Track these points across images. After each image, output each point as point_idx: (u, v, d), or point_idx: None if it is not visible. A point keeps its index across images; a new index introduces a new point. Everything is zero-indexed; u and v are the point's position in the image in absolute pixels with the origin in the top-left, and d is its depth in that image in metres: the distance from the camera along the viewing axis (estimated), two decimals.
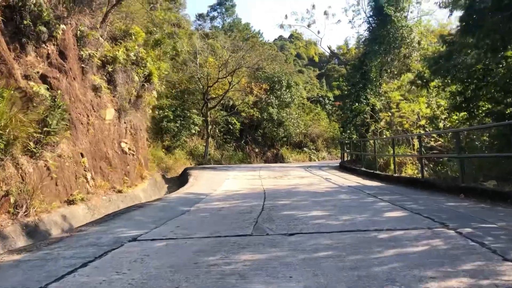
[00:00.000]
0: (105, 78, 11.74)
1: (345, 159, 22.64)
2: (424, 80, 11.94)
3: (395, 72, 22.83)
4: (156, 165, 16.64)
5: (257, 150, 34.00)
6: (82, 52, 10.50)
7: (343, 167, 19.73)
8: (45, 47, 9.39)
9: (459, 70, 10.33)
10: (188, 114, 27.46)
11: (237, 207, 7.73)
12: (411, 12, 23.44)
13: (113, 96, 12.03)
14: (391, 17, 21.10)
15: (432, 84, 12.09)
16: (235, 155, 31.28)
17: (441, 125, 14.34)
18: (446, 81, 11.13)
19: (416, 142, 14.81)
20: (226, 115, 32.25)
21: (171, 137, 27.29)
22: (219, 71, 28.15)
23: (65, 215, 8.04)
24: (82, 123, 9.82)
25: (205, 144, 28.88)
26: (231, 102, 32.66)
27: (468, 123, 11.52)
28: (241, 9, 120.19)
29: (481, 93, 10.60)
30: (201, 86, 28.44)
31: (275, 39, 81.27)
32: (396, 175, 12.70)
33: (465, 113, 11.57)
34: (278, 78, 35.41)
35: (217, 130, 31.75)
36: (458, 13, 11.87)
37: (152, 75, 14.52)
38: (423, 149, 11.77)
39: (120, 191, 10.62)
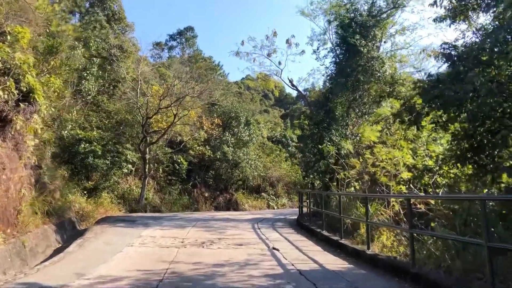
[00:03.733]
0: None
1: (304, 211, 18.62)
2: (414, 114, 8.12)
3: (364, 111, 19.43)
4: (47, 215, 11.83)
5: (207, 194, 29.37)
6: None
7: (300, 225, 15.71)
8: None
9: (471, 100, 6.69)
10: (121, 150, 22.88)
11: None
12: (384, 42, 20.31)
13: None
14: (359, 47, 17.87)
15: (427, 119, 8.26)
16: (179, 200, 26.55)
17: (429, 181, 10.56)
18: (449, 116, 7.39)
19: (395, 202, 11.01)
20: (171, 153, 27.75)
21: (100, 176, 22.59)
22: (160, 100, 23.89)
23: None
24: None
25: (142, 186, 24.17)
26: (179, 138, 28.30)
27: (476, 181, 7.85)
28: (205, 44, 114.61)
29: (499, 138, 6.93)
30: (141, 118, 24.09)
31: (243, 78, 78.10)
32: (369, 252, 8.71)
33: (471, 166, 7.89)
34: (235, 114, 31.69)
35: (160, 170, 27.16)
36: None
37: (35, 93, 10.25)
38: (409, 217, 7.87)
39: None
